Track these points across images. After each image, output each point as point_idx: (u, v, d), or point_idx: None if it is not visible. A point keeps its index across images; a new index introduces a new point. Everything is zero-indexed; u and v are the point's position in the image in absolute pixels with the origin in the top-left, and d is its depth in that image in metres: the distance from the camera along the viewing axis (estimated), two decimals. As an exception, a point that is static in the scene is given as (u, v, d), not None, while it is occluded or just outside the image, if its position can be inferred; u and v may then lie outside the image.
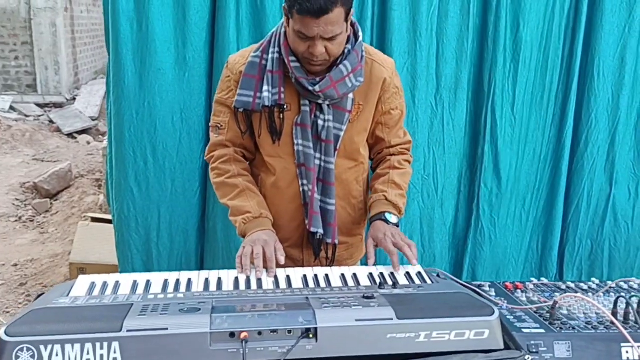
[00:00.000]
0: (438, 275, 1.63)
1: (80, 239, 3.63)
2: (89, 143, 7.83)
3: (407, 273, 1.62)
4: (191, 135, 2.67)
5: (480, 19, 2.71)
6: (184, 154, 2.68)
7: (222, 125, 1.86)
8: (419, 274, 1.62)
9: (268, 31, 2.54)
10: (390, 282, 1.54)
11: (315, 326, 1.24)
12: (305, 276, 1.58)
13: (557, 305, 1.48)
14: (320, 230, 1.82)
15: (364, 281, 1.57)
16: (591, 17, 2.75)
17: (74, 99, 9.66)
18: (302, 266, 1.89)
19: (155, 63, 2.57)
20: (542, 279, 1.80)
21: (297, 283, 1.55)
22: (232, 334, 1.22)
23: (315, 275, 1.59)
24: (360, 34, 1.78)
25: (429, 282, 1.57)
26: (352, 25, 1.74)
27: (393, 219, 1.80)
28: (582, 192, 2.91)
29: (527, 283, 1.75)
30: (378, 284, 1.52)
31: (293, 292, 1.44)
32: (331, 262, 1.87)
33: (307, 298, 1.37)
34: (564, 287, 1.73)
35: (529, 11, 2.68)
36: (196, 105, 2.65)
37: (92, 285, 1.49)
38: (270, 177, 1.86)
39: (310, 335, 1.23)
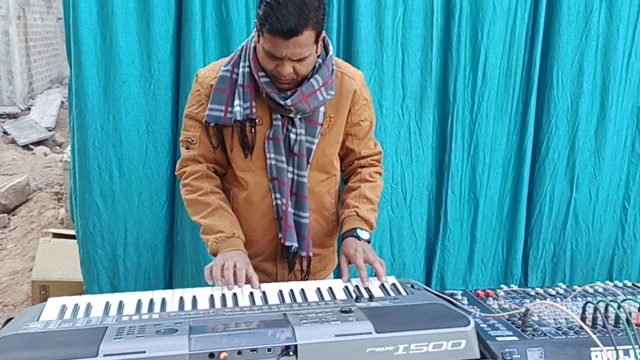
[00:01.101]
0: (412, 286, 1.65)
1: (42, 255, 3.53)
2: (46, 155, 7.62)
3: (382, 285, 1.63)
4: (158, 148, 2.64)
5: (443, 30, 2.76)
6: (150, 167, 2.65)
7: (193, 140, 1.84)
8: (393, 285, 1.64)
9: (234, 43, 2.56)
10: (366, 295, 1.55)
11: (295, 343, 1.23)
12: (281, 291, 1.58)
13: (529, 312, 1.52)
14: (295, 244, 1.82)
15: (340, 295, 1.57)
16: (549, 26, 2.84)
17: (29, 109, 9.41)
18: (276, 279, 1.89)
19: (119, 76, 2.54)
20: (512, 285, 1.85)
21: (273, 299, 1.54)
22: (211, 355, 1.20)
23: (291, 290, 1.59)
24: (331, 47, 1.79)
25: (403, 293, 1.58)
26: (322, 39, 1.75)
27: (364, 234, 1.81)
28: (544, 196, 2.99)
29: (498, 290, 1.79)
30: (354, 297, 1.53)
31: (270, 309, 1.43)
32: (306, 275, 1.88)
33: (284, 314, 1.37)
34: (533, 293, 1.78)
35: (490, 22, 2.74)
36: (162, 117, 2.62)
37: (63, 308, 1.46)
38: (242, 192, 1.85)
39: (291, 353, 1.23)
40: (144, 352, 1.18)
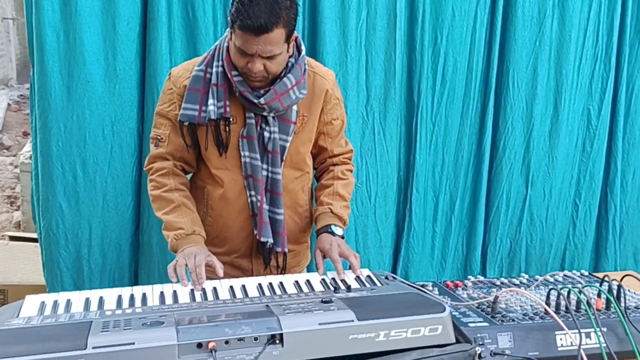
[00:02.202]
0: (386, 278, 1.71)
1: (-1, 259, 3.44)
2: (-7, 158, 7.37)
3: (358, 277, 1.69)
4: (123, 148, 2.62)
5: (406, 33, 2.84)
6: (115, 167, 2.63)
7: (162, 138, 1.86)
8: (368, 277, 1.69)
9: (201, 42, 2.58)
10: (343, 287, 1.60)
11: (280, 332, 1.27)
12: (260, 285, 1.61)
13: (498, 300, 1.59)
14: (270, 240, 1.85)
15: (318, 287, 1.61)
16: (505, 31, 2.97)
17: (-26, 111, 9.07)
18: (252, 276, 1.91)
19: (83, 75, 2.51)
20: (479, 276, 1.93)
21: (253, 292, 1.57)
22: (199, 345, 1.22)
23: (270, 284, 1.62)
24: (303, 47, 1.84)
25: (379, 284, 1.64)
26: (295, 39, 1.79)
27: (339, 230, 1.87)
28: (501, 194, 3.11)
29: (466, 281, 1.86)
30: (333, 288, 1.57)
31: (252, 301, 1.46)
32: (283, 270, 1.91)
33: (267, 305, 1.40)
34: (498, 282, 1.86)
35: (451, 25, 2.85)
36: (128, 117, 2.60)
37: (42, 305, 1.45)
38: (218, 189, 1.87)
39: (277, 341, 1.26)
40: (133, 343, 1.19)
